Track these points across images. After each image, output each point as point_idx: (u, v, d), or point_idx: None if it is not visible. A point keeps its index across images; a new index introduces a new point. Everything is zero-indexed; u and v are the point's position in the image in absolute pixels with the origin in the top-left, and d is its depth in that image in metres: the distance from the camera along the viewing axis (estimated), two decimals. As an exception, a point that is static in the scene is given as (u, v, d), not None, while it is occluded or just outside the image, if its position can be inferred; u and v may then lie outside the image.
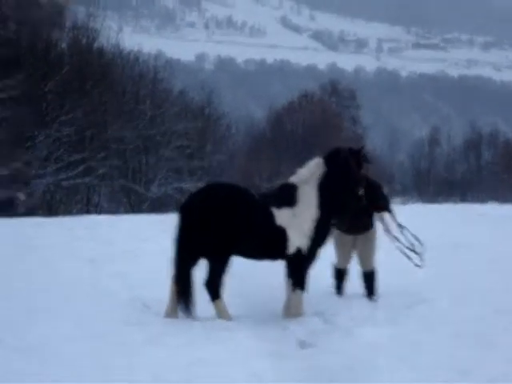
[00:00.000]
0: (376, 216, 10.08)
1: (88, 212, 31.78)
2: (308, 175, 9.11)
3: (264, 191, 10.61)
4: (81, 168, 30.86)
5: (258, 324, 8.66)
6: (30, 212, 28.30)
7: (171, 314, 8.79)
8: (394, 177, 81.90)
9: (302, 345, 7.95)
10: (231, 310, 8.83)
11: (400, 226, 9.98)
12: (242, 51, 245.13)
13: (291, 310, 9.02)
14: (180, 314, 8.78)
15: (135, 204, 37.89)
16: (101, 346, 7.37)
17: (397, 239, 9.96)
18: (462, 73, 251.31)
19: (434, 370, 6.89)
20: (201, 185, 38.78)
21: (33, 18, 30.98)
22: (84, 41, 34.06)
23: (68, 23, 33.12)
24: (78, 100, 30.45)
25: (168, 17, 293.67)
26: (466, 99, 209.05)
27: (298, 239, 8.93)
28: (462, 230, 18.26)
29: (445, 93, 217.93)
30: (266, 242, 8.88)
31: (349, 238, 10.07)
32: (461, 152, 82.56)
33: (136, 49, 41.17)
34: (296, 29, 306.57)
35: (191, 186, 38.56)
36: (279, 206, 8.91)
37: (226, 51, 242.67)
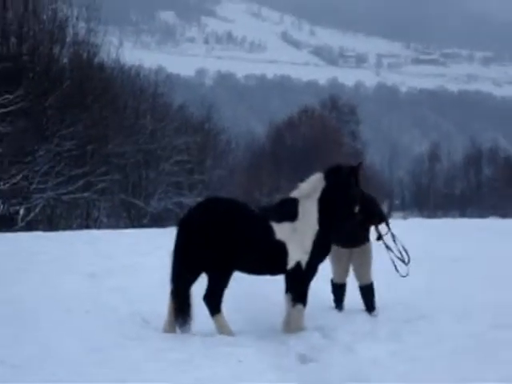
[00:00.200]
0: (372, 228, 10.13)
1: (88, 227, 31.79)
2: (309, 190, 9.13)
3: (264, 205, 10.62)
4: (81, 182, 30.88)
5: (257, 339, 8.64)
6: (31, 226, 28.32)
7: (169, 329, 8.77)
8: (393, 192, 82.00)
9: (303, 360, 7.94)
10: (230, 326, 8.82)
11: (393, 236, 10.03)
12: (242, 66, 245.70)
13: (291, 325, 9.00)
14: (176, 329, 8.76)
15: (135, 218, 37.90)
16: (101, 360, 7.35)
17: (389, 248, 10.02)
18: (462, 88, 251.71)
19: (434, 385, 6.89)
20: (200, 199, 38.97)
21: (34, 34, 31.11)
22: (85, 56, 34.14)
23: (69, 38, 33.23)
24: (78, 115, 30.49)
25: (168, 32, 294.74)
26: (466, 114, 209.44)
27: (297, 254, 8.93)
28: (462, 245, 18.27)
29: (445, 108, 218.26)
30: (266, 257, 8.87)
31: (344, 252, 10.11)
32: (461, 167, 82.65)
33: (137, 64, 41.37)
34: (296, 44, 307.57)
35: (191, 200, 38.57)
36: (279, 220, 8.92)
37: (225, 66, 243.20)
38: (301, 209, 9.04)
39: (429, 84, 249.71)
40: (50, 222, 31.58)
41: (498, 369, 7.25)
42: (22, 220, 29.17)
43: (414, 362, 7.63)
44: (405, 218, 51.19)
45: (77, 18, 33.39)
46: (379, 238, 10.07)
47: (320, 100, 76.60)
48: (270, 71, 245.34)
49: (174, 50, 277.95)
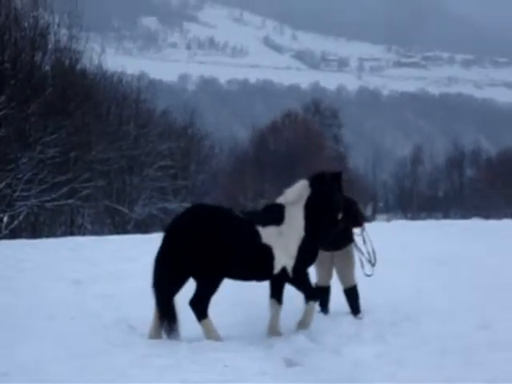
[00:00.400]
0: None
1: (72, 234, 31.66)
2: (295, 196, 9.21)
3: (250, 210, 10.69)
4: (65, 189, 30.72)
5: (244, 344, 8.64)
6: (14, 234, 28.15)
7: (155, 335, 8.75)
8: (377, 195, 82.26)
9: (289, 363, 7.94)
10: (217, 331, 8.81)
11: (364, 238, 10.19)
12: (225, 71, 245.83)
13: (305, 321, 9.08)
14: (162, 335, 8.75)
15: (119, 225, 37.80)
16: (86, 367, 7.31)
17: (359, 248, 10.25)
18: (443, 91, 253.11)
19: (420, 386, 6.91)
20: (186, 205, 38.87)
21: (15, 41, 30.95)
22: (67, 62, 34.01)
23: (50, 45, 33.08)
24: (61, 121, 30.33)
25: (150, 38, 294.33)
26: (448, 117, 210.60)
27: (283, 258, 8.96)
28: (446, 246, 18.33)
29: (426, 111, 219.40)
30: (253, 261, 8.88)
31: (327, 255, 10.14)
32: (443, 169, 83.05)
33: (119, 70, 41.30)
34: (278, 49, 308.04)
35: (175, 206, 38.58)
36: (265, 224, 8.95)
37: (208, 71, 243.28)
38: (287, 214, 9.10)
39: (410, 87, 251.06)
40: (33, 230, 31.42)
41: (483, 370, 7.27)
42: (6, 228, 28.99)
43: (400, 363, 7.64)
44: (388, 220, 51.35)
45: (58, 25, 33.25)
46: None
47: (303, 104, 76.75)
48: (253, 76, 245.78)
49: (157, 55, 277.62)
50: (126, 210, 37.43)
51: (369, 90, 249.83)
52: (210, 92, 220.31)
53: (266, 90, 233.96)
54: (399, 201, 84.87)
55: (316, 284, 10.32)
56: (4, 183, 28.11)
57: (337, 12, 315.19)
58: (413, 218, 62.70)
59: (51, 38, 33.03)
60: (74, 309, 10.15)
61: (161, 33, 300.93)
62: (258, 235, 8.86)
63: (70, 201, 31.30)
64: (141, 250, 15.83)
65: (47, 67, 33.20)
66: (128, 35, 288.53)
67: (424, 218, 57.03)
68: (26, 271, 13.51)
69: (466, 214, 62.46)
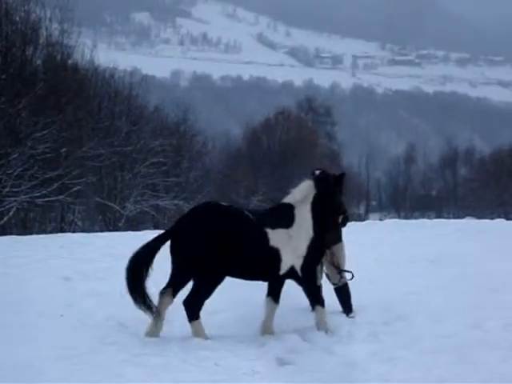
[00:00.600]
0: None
1: (62, 230, 31.51)
2: (302, 196, 9.18)
3: (258, 210, 10.56)
4: (55, 185, 30.57)
5: (235, 342, 8.61)
6: (4, 230, 28.01)
7: (152, 333, 8.67)
8: (370, 193, 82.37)
9: (281, 362, 7.91)
10: (208, 329, 8.74)
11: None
12: (218, 68, 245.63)
13: (321, 326, 8.99)
14: (160, 333, 8.69)
15: (110, 221, 37.69)
16: (78, 366, 7.26)
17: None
18: (438, 89, 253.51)
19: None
20: (177, 202, 38.71)
21: (6, 35, 30.79)
22: (58, 57, 33.90)
23: (42, 40, 32.93)
24: (52, 117, 30.18)
25: (143, 33, 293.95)
26: (442, 115, 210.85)
27: (291, 258, 8.91)
28: (439, 245, 18.28)
29: (420, 109, 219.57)
30: (259, 263, 8.83)
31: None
32: (437, 168, 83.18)
33: (111, 65, 41.17)
34: (272, 45, 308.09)
35: (167, 203, 38.49)
36: (274, 226, 8.89)
37: (201, 68, 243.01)
38: (297, 214, 9.08)
39: (404, 85, 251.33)
40: (23, 226, 31.31)
41: (476, 369, 7.26)
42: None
43: (392, 362, 7.62)
44: (381, 218, 51.38)
45: (50, 20, 33.15)
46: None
47: (296, 101, 76.82)
48: (246, 72, 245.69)
49: (149, 51, 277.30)
50: (117, 207, 37.31)
51: (363, 88, 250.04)
52: (202, 88, 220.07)
53: (259, 86, 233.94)
54: (392, 199, 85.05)
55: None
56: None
57: (331, 9, 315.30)
58: (406, 217, 62.76)
59: (43, 33, 32.95)
60: (63, 306, 10.06)
61: (154, 28, 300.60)
62: (266, 238, 8.80)
63: (60, 197, 31.15)
64: (132, 247, 15.66)
65: (38, 62, 33.09)
66: (120, 30, 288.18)
67: (417, 217, 57.06)
68: (16, 268, 13.39)
69: (459, 213, 62.62)
